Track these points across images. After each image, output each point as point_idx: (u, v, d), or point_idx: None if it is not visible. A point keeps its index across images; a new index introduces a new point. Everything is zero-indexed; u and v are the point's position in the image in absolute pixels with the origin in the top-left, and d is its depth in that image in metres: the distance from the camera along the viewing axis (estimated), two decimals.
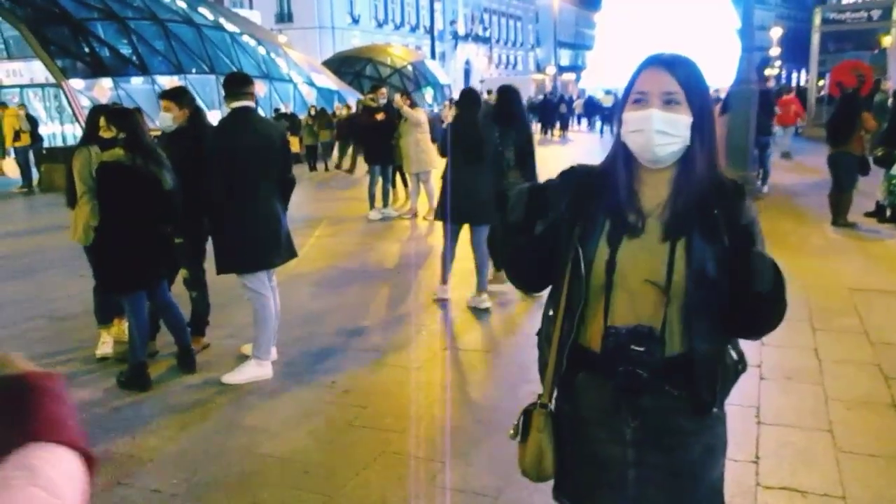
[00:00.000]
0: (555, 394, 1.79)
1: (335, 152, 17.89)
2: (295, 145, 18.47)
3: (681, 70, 1.63)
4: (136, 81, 20.30)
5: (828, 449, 3.64)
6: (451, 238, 6.19)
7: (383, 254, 8.55)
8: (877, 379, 4.48)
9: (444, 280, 6.37)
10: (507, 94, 6.50)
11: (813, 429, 3.86)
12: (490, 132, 6.09)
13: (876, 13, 23.19)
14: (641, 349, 1.58)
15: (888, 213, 9.29)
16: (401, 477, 3.48)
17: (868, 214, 9.47)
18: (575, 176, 1.81)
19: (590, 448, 1.75)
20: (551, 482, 1.84)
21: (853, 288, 6.42)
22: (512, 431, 1.80)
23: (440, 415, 4.14)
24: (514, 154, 6.07)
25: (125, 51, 20.43)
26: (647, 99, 1.63)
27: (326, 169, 17.84)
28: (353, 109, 17.35)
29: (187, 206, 4.62)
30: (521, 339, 5.27)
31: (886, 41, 23.43)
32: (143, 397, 4.49)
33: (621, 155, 1.70)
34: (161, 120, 5.00)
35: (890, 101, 14.00)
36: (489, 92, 25.47)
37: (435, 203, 10.45)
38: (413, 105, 10.49)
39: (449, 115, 19.30)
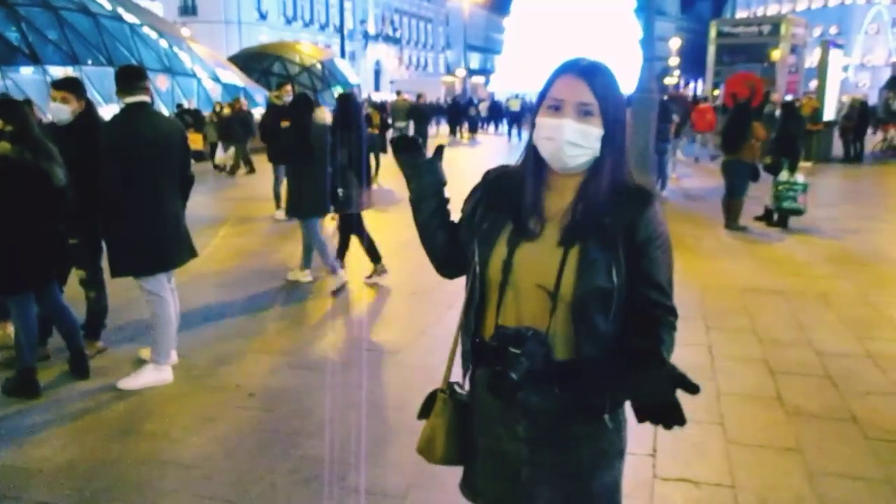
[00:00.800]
0: (465, 384, 1.84)
1: (219, 152, 17.48)
2: (198, 142, 17.92)
3: (597, 80, 1.63)
4: (26, 71, 19.20)
5: (719, 441, 3.82)
6: (318, 230, 6.75)
7: (289, 254, 8.39)
8: (764, 374, 4.74)
9: (334, 270, 6.69)
10: (347, 101, 7.06)
11: (706, 422, 4.04)
12: (321, 136, 6.66)
13: (766, 28, 24.62)
14: (518, 351, 1.58)
15: (775, 217, 9.86)
16: (308, 480, 3.42)
17: (757, 218, 10.02)
18: (489, 176, 1.85)
19: (489, 442, 1.80)
20: (457, 478, 1.87)
21: (744, 288, 6.77)
22: (418, 413, 1.87)
23: (348, 417, 4.10)
24: (348, 156, 6.52)
25: (13, 38, 19.29)
26: (562, 107, 1.63)
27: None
28: (238, 108, 16.72)
29: (82, 204, 4.41)
30: (428, 341, 5.29)
31: (775, 55, 24.84)
32: (32, 405, 4.24)
33: (531, 158, 1.72)
34: (55, 112, 4.69)
35: (777, 111, 14.85)
36: (398, 92, 25.50)
37: None
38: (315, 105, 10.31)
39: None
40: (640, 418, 1.54)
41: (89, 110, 4.76)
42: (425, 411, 1.86)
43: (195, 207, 8.05)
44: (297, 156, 6.69)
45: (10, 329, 4.81)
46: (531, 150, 1.72)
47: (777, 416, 4.14)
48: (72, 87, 4.74)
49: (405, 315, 6.13)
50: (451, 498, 3.38)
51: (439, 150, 1.96)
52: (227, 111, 17.35)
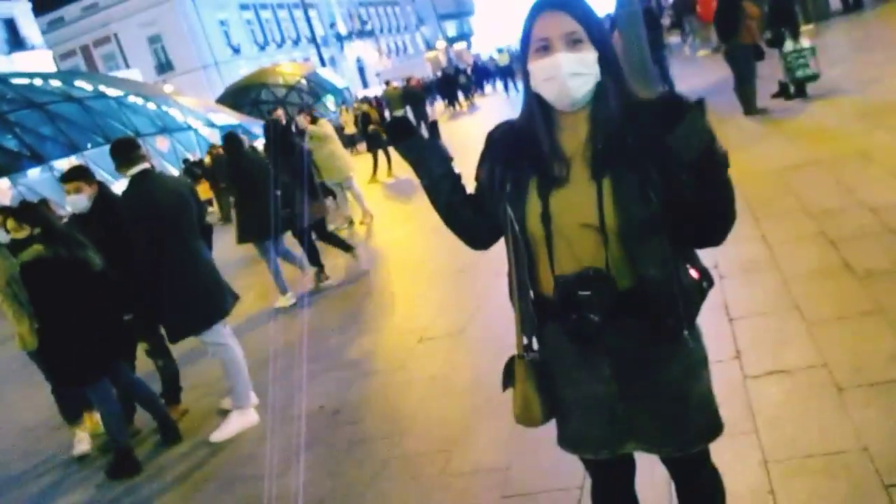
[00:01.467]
0: (535, 345, 1.84)
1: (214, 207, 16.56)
2: (208, 192, 18.13)
3: (575, 6, 1.62)
4: (33, 173, 19.63)
5: (799, 325, 3.78)
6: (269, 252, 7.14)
7: (332, 268, 8.47)
8: (825, 247, 4.65)
9: (284, 291, 7.25)
10: (267, 131, 8.53)
11: (781, 311, 4.00)
12: (259, 165, 7.35)
13: None
14: (588, 293, 1.59)
15: (792, 89, 9.60)
16: (414, 475, 3.49)
17: (774, 95, 9.77)
18: (495, 136, 1.84)
19: (576, 392, 1.79)
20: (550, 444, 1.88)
21: (782, 168, 6.64)
22: (502, 385, 1.86)
23: (432, 407, 4.16)
24: (290, 176, 7.21)
25: (12, 145, 19.72)
26: (551, 44, 1.61)
27: None
28: (216, 153, 15.64)
29: (122, 280, 4.51)
30: (487, 314, 5.30)
31: None
32: (138, 480, 4.39)
33: (535, 106, 1.70)
34: (73, 203, 4.76)
35: None
36: (387, 83, 25.44)
37: (365, 205, 10.46)
38: (314, 119, 10.35)
39: (348, 119, 19.12)
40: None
41: (103, 191, 4.84)
42: (508, 381, 1.86)
43: (224, 252, 8.20)
44: (236, 189, 7.50)
45: (96, 417, 4.97)
46: (532, 98, 1.70)
47: (850, 284, 4.07)
48: (80, 175, 4.82)
49: (457, 296, 6.15)
50: (551, 459, 3.42)
51: (433, 127, 1.94)
52: (207, 160, 16.58)
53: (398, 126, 1.90)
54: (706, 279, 1.75)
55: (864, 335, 3.50)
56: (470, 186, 1.89)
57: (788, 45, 9.33)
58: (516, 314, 1.83)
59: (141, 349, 5.05)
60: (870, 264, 4.20)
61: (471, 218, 1.89)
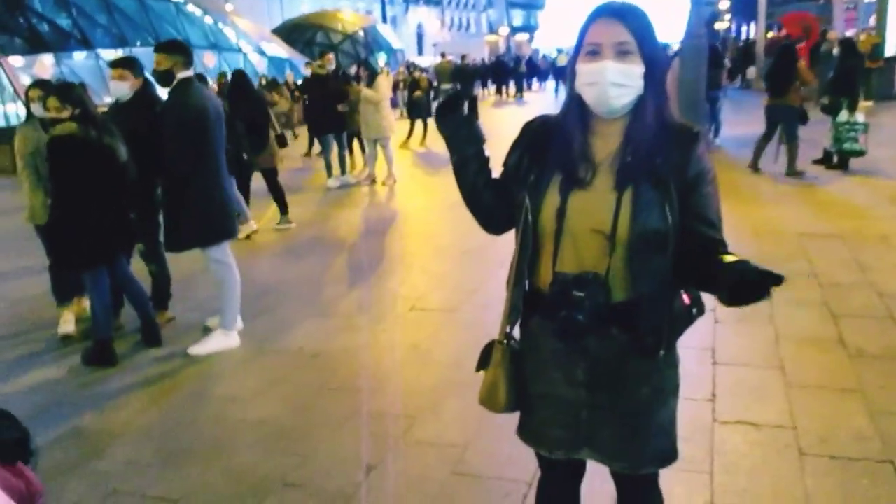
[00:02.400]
0: (517, 333, 1.89)
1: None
2: None
3: (631, 19, 1.65)
4: (79, 56, 19.70)
5: (779, 384, 3.82)
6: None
7: (343, 221, 8.55)
8: (825, 317, 4.68)
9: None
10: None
11: (765, 366, 4.04)
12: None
13: None
14: (582, 294, 1.64)
15: (835, 159, 9.56)
16: (374, 434, 3.56)
17: (816, 161, 9.73)
18: (531, 127, 1.88)
19: (546, 389, 1.84)
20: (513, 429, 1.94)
21: (802, 233, 6.64)
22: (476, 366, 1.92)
23: (408, 374, 4.22)
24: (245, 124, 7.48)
25: (65, 25, 19.79)
26: (601, 51, 1.65)
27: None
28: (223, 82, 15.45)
29: (140, 179, 4.57)
30: (482, 298, 5.36)
31: None
32: (110, 373, 4.48)
33: (575, 106, 1.74)
34: (115, 89, 4.88)
35: (835, 50, 14.29)
36: (443, 55, 25.29)
37: (393, 168, 10.49)
38: (373, 75, 10.32)
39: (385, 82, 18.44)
40: (733, 297, 1.55)
41: (147, 88, 4.90)
42: (483, 363, 1.92)
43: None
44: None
45: (86, 303, 5.06)
46: (574, 98, 1.74)
47: (838, 358, 4.10)
48: (128, 64, 4.89)
49: (458, 274, 6.21)
50: (509, 447, 3.48)
51: (472, 103, 1.97)
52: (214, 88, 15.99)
53: (450, 102, 1.92)
54: (697, 306, 1.79)
55: (838, 409, 3.54)
56: (497, 171, 1.94)
57: (843, 116, 9.30)
58: (507, 301, 1.88)
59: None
60: (863, 345, 4.23)
61: (491, 201, 1.92)
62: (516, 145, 1.88)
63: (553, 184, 1.74)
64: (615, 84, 1.64)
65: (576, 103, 1.74)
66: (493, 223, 1.98)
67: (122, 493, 3.18)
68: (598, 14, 1.68)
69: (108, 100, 17.05)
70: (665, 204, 1.64)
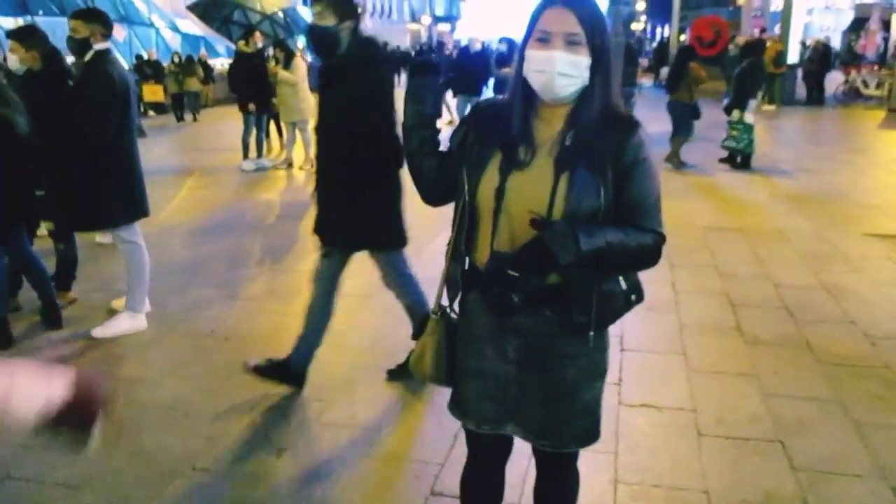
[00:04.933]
0: (455, 306, 1.93)
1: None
2: (158, 94, 17.58)
3: (583, 10, 1.68)
4: None
5: (681, 369, 4.00)
6: None
7: (258, 204, 8.39)
8: (725, 307, 4.92)
9: None
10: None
11: (669, 352, 4.22)
12: None
13: None
14: (516, 274, 1.66)
15: (738, 159, 10.01)
16: (286, 416, 3.53)
17: (722, 160, 10.18)
18: (479, 107, 1.92)
19: (478, 363, 1.88)
20: (427, 409, 1.97)
21: (706, 227, 6.94)
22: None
23: (321, 358, 4.19)
24: None
25: None
26: (550, 39, 1.68)
27: (195, 119, 17.10)
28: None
29: (49, 155, 4.35)
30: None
31: None
32: (4, 355, 4.26)
33: (520, 89, 1.77)
34: (8, 61, 4.65)
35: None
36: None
37: (311, 152, 10.34)
38: (290, 56, 10.14)
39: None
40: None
41: (54, 59, 4.66)
42: (417, 333, 1.95)
43: (160, 159, 8.02)
44: None
45: None
46: (520, 82, 1.77)
47: (736, 345, 4.32)
48: (19, 36, 4.64)
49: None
50: (422, 430, 3.51)
51: (449, 80, 2.00)
52: None
53: (428, 65, 1.95)
54: (635, 292, 1.85)
55: (734, 392, 3.73)
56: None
57: (735, 115, 9.84)
58: (444, 275, 1.91)
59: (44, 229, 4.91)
60: (758, 332, 4.47)
61: (433, 170, 1.93)
62: (463, 122, 1.91)
63: (493, 163, 1.76)
64: (562, 74, 1.68)
65: (521, 86, 1.77)
66: (431, 192, 1.97)
67: (18, 480, 3.04)
68: (551, 2, 1.70)
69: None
70: (600, 187, 1.68)
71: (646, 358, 4.16)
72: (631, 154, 1.71)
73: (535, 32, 1.72)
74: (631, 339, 4.36)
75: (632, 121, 1.77)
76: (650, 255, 1.78)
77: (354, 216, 3.41)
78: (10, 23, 18.26)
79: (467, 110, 10.00)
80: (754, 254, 6.10)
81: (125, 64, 16.21)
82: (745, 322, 4.64)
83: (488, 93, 11.15)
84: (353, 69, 3.27)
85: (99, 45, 4.33)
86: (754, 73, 9.86)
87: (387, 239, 3.58)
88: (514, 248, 1.71)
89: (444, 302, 1.97)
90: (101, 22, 4.37)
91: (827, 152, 11.67)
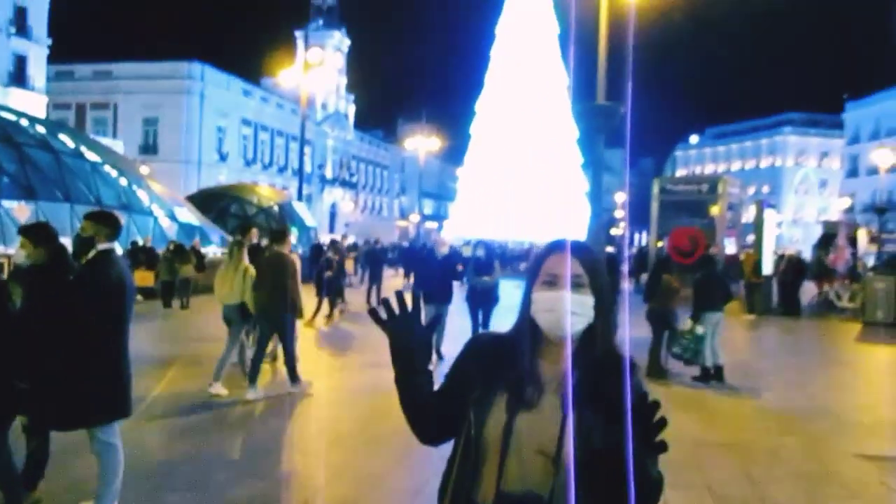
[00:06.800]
0: None
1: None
2: (149, 280, 17.81)
3: (584, 255, 1.83)
4: None
5: None
6: None
7: (239, 399, 8.21)
8: None
9: None
10: None
11: None
12: None
13: (704, 187, 26.29)
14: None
15: (712, 371, 9.84)
16: None
17: (695, 378, 9.85)
18: (479, 342, 1.96)
19: None
20: None
21: (696, 442, 6.82)
22: None
23: None
24: None
25: None
26: (557, 282, 1.79)
27: (183, 306, 17.21)
28: None
29: (42, 348, 4.32)
30: (381, 495, 5.16)
31: (714, 211, 26.34)
32: None
33: (527, 329, 1.84)
34: (16, 255, 4.76)
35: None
36: (344, 236, 25.65)
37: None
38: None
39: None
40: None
41: (60, 256, 4.76)
42: None
43: (144, 347, 7.93)
44: None
45: None
46: (526, 321, 1.84)
47: None
48: (31, 234, 4.76)
49: (359, 464, 5.98)
50: None
51: (436, 320, 2.01)
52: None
53: (404, 304, 1.91)
54: None
55: None
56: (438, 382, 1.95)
57: (686, 325, 9.80)
58: None
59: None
60: None
61: (430, 413, 1.92)
62: (461, 358, 1.93)
63: (499, 401, 1.78)
64: (571, 312, 1.77)
65: (528, 326, 1.84)
66: (430, 435, 1.96)
67: None
68: (555, 248, 1.84)
69: (1, 248, 16.46)
70: (608, 428, 1.69)
71: None
72: (635, 393, 1.73)
73: (542, 276, 1.83)
74: None
75: (632, 362, 1.82)
76: (659, 490, 1.76)
77: None
78: (14, 206, 18.90)
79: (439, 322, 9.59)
80: (747, 474, 5.96)
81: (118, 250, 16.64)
82: None
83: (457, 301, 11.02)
84: None
85: (102, 245, 4.46)
86: (708, 285, 10.02)
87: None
88: (524, 487, 1.70)
89: None
90: (108, 224, 4.53)
91: (808, 364, 11.82)
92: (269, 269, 8.21)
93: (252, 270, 8.45)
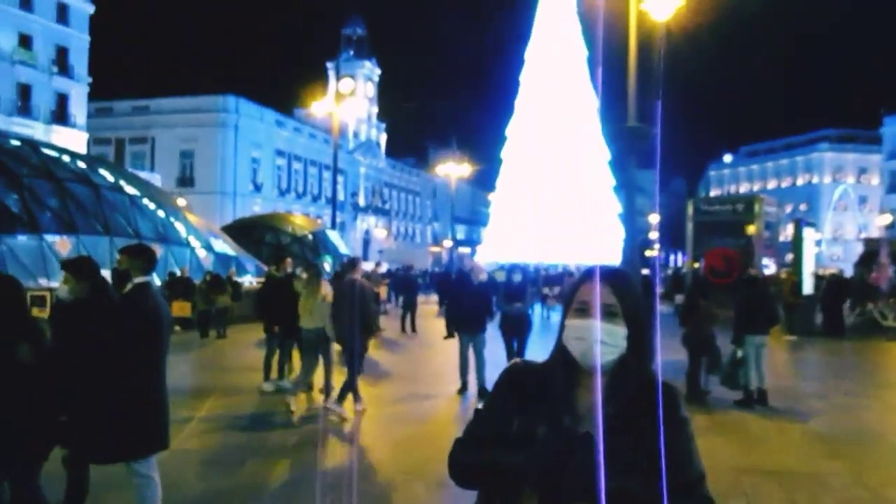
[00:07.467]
0: None
1: None
2: (186, 310, 18.02)
3: (618, 284, 1.80)
4: (23, 238, 19.57)
5: None
6: None
7: (279, 428, 8.23)
8: None
9: None
10: None
11: None
12: None
13: (740, 206, 25.94)
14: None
15: (755, 395, 9.62)
16: None
17: (738, 402, 9.61)
18: (511, 374, 1.92)
19: None
20: None
21: (739, 469, 6.64)
22: None
23: None
24: None
25: (13, 206, 19.83)
26: (589, 309, 1.77)
27: (219, 335, 17.37)
28: None
29: (79, 383, 4.36)
30: None
31: (751, 230, 25.95)
32: None
33: (561, 357, 1.83)
34: (59, 289, 4.85)
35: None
36: (377, 264, 25.78)
37: (332, 378, 10.30)
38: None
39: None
40: None
41: (101, 290, 4.82)
42: None
43: (181, 377, 8.01)
44: None
45: None
46: (561, 350, 1.82)
47: None
48: (74, 269, 4.81)
49: (396, 497, 5.93)
50: None
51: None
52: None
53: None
54: None
55: None
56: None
57: (729, 348, 9.72)
58: None
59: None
60: None
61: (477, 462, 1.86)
62: (498, 391, 1.90)
63: (537, 434, 1.75)
64: (601, 342, 1.74)
65: (562, 353, 1.82)
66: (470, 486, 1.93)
67: None
68: (590, 276, 1.82)
69: (44, 282, 16.82)
70: (645, 457, 1.68)
71: None
72: (674, 422, 1.73)
73: (575, 303, 1.81)
74: None
75: (671, 389, 1.79)
76: None
77: None
78: (56, 240, 19.33)
79: (470, 353, 9.59)
80: (792, 502, 5.77)
81: (157, 281, 16.89)
82: None
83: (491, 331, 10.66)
84: None
85: (138, 279, 4.52)
86: (750, 308, 9.80)
87: None
88: None
89: None
90: (143, 258, 4.61)
91: (853, 387, 11.48)
92: (343, 295, 8.73)
93: (330, 297, 9.07)
